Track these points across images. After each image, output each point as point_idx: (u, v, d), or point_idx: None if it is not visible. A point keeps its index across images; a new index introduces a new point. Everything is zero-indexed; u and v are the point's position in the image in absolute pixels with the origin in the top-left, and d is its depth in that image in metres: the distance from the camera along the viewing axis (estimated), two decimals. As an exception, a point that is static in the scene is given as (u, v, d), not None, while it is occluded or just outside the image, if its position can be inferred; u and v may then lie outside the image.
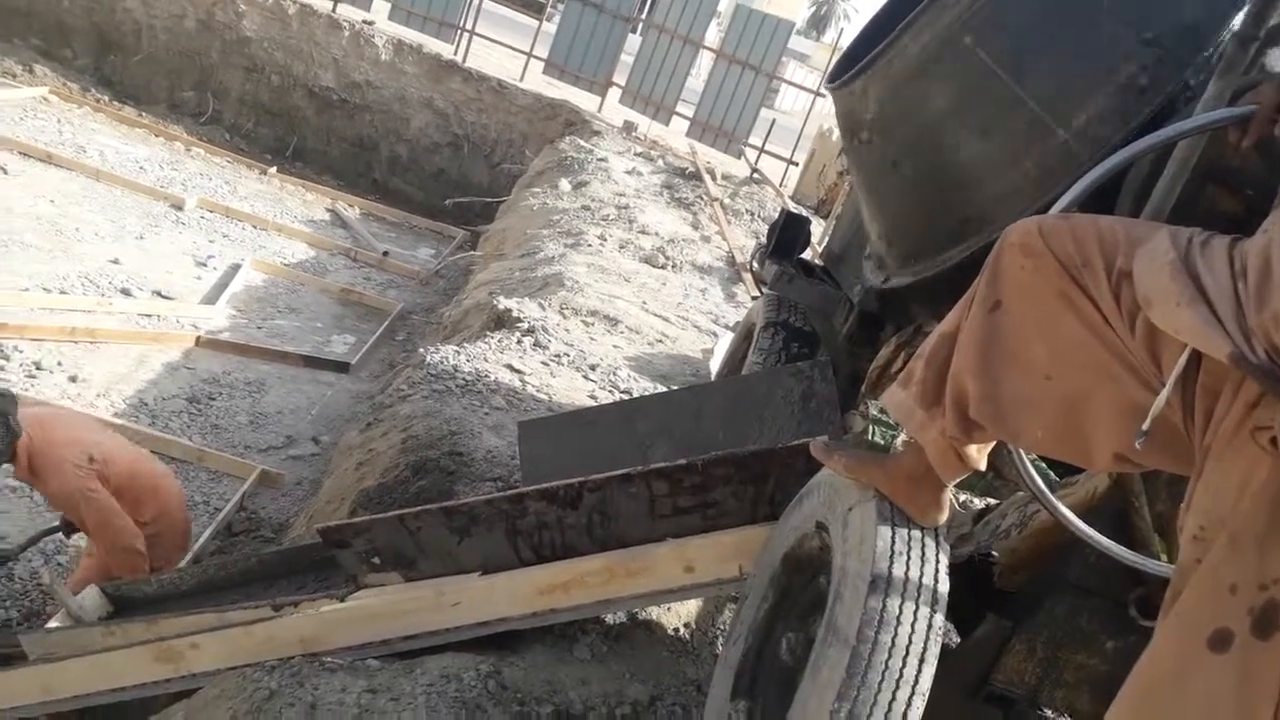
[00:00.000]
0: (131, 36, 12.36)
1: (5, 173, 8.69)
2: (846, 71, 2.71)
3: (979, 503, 2.34)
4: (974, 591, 2.03)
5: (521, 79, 13.26)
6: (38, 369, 6.07)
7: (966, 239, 2.49)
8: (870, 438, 2.48)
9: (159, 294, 7.63)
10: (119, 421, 5.78)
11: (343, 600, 2.64)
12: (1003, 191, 2.37)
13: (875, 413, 2.53)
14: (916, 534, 1.74)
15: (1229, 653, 1.14)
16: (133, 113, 11.80)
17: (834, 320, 3.36)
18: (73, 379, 6.12)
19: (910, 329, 2.92)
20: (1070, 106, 2.26)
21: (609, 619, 2.81)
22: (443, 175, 12.94)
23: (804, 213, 4.99)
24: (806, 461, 2.31)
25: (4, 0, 12.05)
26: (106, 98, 12.07)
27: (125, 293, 7.44)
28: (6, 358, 6.06)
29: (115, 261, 7.84)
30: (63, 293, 7.09)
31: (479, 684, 2.36)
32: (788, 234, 3.68)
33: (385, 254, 10.22)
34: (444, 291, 9.56)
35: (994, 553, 2.07)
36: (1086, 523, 1.75)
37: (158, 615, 3.03)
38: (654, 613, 2.89)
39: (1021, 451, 1.67)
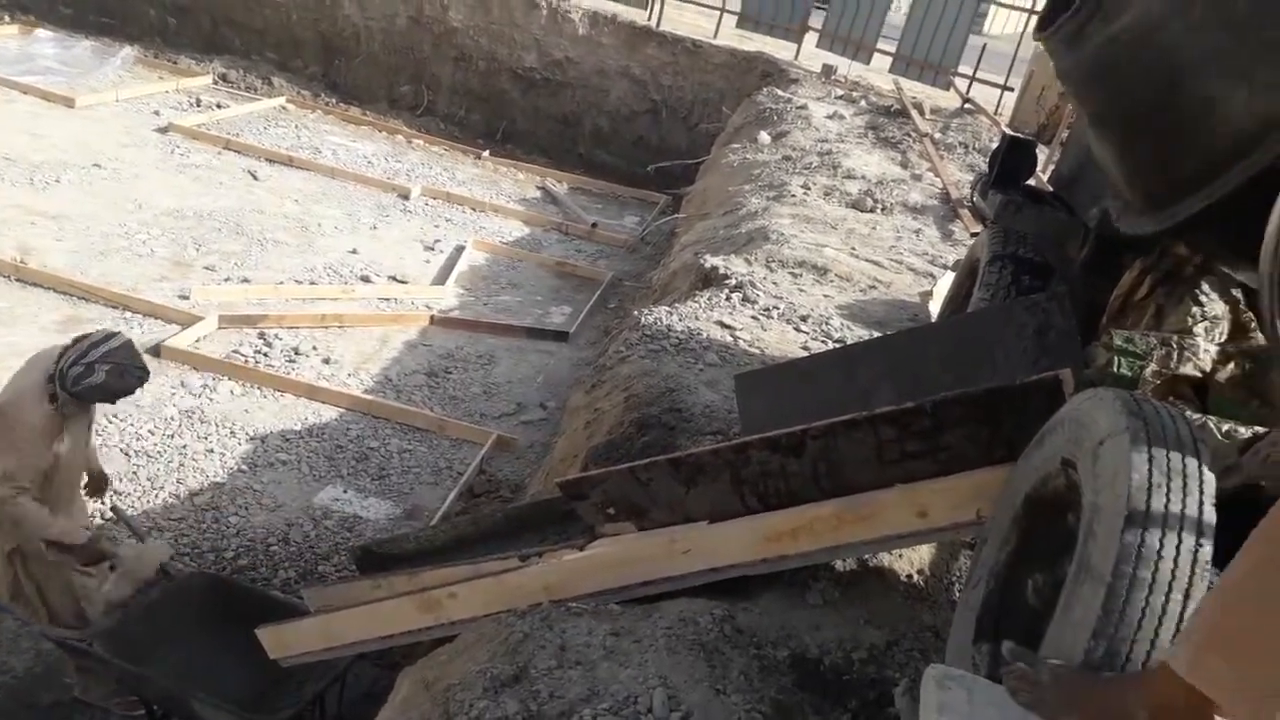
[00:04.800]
0: (351, 41, 13.26)
1: (256, 178, 9.59)
2: (1057, 17, 2.52)
3: (1245, 431, 2.14)
4: (1244, 529, 1.86)
5: (715, 36, 13.17)
6: (296, 354, 6.70)
7: (1225, 172, 2.25)
8: (1115, 370, 2.32)
9: (394, 278, 8.22)
10: (369, 397, 6.30)
11: (582, 550, 2.77)
12: (1260, 123, 2.12)
13: (1120, 343, 2.37)
14: (1177, 464, 1.62)
15: None
16: (357, 112, 12.69)
17: (1068, 249, 3.14)
18: (326, 361, 6.71)
19: (1155, 254, 2.70)
20: None
21: (839, 566, 2.79)
22: (642, 142, 13.11)
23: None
24: (1048, 398, 2.20)
25: (245, 22, 13.24)
26: (334, 100, 13.03)
27: (365, 279, 8.06)
28: (269, 345, 6.73)
29: (354, 251, 8.50)
30: (312, 283, 7.77)
31: (715, 628, 2.42)
32: (1011, 161, 3.47)
33: (594, 225, 10.51)
34: (651, 257, 9.72)
35: (1264, 484, 1.90)
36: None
37: (417, 569, 3.28)
38: (885, 559, 2.85)
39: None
